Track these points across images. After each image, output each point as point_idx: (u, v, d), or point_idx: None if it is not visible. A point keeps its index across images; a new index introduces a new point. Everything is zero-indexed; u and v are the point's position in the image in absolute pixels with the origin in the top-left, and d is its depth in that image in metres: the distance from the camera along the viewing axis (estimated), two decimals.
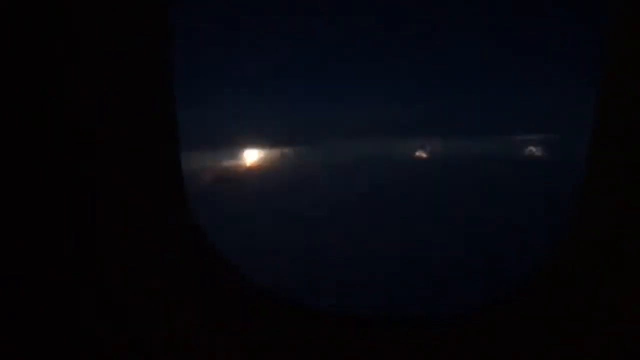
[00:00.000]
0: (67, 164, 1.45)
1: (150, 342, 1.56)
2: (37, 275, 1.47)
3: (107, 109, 1.50)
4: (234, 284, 1.81)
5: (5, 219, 1.42)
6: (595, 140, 1.58)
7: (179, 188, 1.73)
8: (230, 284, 1.81)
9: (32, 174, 1.43)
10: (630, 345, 1.50)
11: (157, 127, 1.64)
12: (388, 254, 12.07)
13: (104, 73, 1.47)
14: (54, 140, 1.43)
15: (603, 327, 1.56)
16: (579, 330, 1.59)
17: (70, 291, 1.51)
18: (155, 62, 1.59)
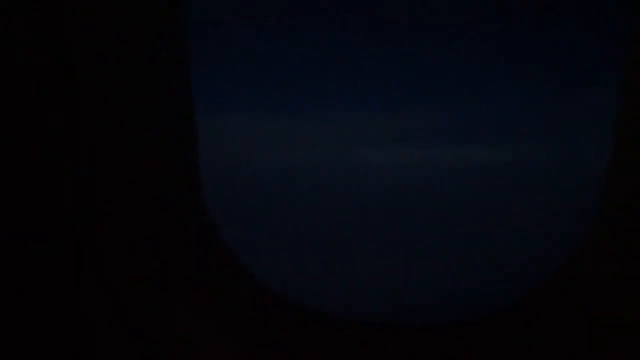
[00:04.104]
0: (80, 162, 1.45)
1: (154, 341, 1.55)
2: (39, 269, 1.45)
3: (123, 106, 1.49)
4: (244, 283, 1.81)
5: (13, 218, 1.42)
6: (616, 145, 1.55)
7: (196, 187, 1.73)
8: (241, 283, 1.81)
9: (43, 170, 1.42)
10: None
11: (175, 125, 1.64)
12: (402, 259, 12.10)
13: (120, 70, 1.46)
14: (68, 138, 1.42)
15: (613, 334, 1.54)
16: (590, 336, 1.57)
17: (75, 286, 1.50)
18: (172, 58, 1.59)
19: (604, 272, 1.60)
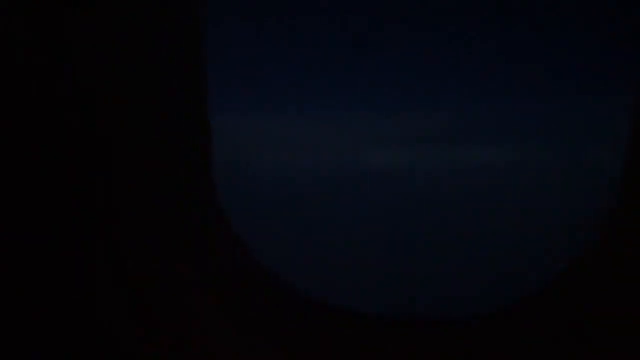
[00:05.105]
0: (81, 162, 1.45)
1: (168, 334, 1.56)
2: (54, 266, 1.46)
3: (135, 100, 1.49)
4: (258, 277, 1.81)
5: (15, 219, 1.42)
6: (632, 147, 1.53)
7: (209, 182, 1.73)
8: (255, 277, 1.81)
9: (44, 170, 1.42)
10: None
11: (184, 123, 1.64)
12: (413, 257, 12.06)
13: (136, 67, 1.46)
14: (69, 138, 1.42)
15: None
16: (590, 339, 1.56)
17: (91, 281, 1.50)
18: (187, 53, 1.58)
19: (609, 274, 1.60)
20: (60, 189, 1.46)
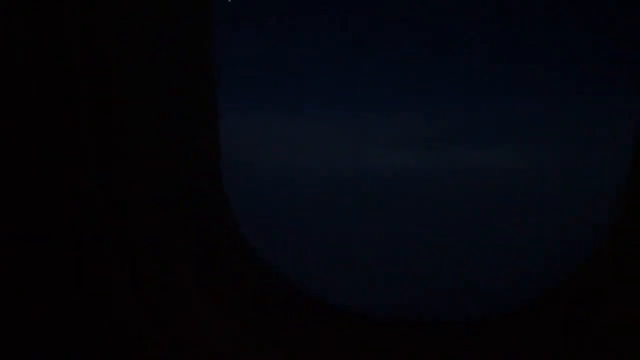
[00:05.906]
0: (80, 163, 1.44)
1: (171, 335, 1.55)
2: (67, 268, 1.45)
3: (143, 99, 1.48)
4: (263, 278, 1.80)
5: (11, 219, 1.41)
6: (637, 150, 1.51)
7: (217, 184, 1.72)
8: (260, 278, 1.80)
9: (44, 170, 1.41)
10: None
11: (197, 119, 1.62)
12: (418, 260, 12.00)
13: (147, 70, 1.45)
14: (68, 138, 1.41)
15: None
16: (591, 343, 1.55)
17: (92, 281, 1.49)
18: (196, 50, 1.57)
19: (614, 276, 1.59)
20: (60, 189, 1.45)
